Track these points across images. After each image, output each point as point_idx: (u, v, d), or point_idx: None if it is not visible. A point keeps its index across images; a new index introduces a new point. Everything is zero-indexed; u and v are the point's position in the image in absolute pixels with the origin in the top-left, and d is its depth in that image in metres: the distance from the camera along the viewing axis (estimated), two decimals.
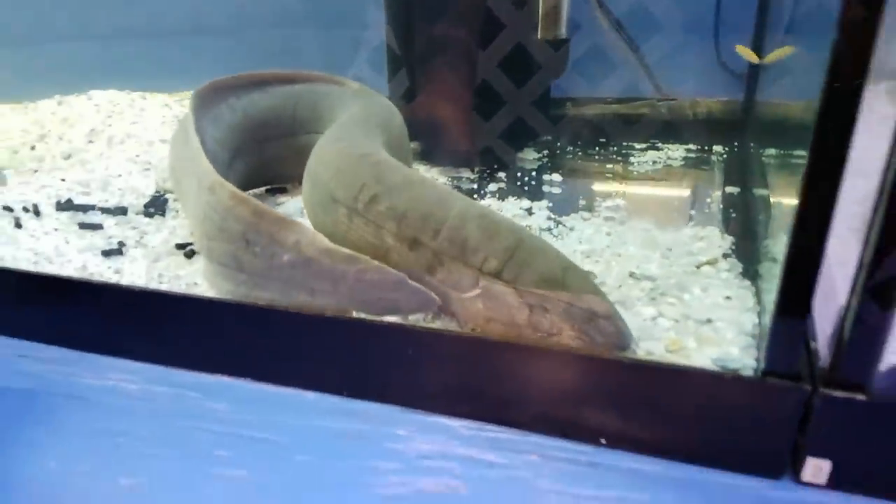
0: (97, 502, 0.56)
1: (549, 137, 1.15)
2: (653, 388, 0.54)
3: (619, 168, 1.03)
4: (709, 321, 0.62)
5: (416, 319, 0.65)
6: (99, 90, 1.41)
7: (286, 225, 0.65)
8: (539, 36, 0.95)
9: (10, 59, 1.49)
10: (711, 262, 0.73)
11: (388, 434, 0.60)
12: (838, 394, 0.49)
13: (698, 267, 0.72)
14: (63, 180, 1.06)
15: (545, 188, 0.97)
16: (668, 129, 1.11)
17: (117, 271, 0.77)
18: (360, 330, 0.61)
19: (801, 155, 0.47)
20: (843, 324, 0.49)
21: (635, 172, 1.01)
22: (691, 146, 1.08)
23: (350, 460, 0.58)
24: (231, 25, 1.34)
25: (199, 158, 0.76)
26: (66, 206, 0.95)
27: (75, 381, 0.70)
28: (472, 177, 1.02)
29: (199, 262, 0.78)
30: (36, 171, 1.14)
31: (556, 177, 1.00)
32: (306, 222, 0.76)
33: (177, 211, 0.95)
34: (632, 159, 1.06)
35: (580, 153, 1.10)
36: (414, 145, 1.03)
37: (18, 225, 0.90)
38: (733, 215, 0.84)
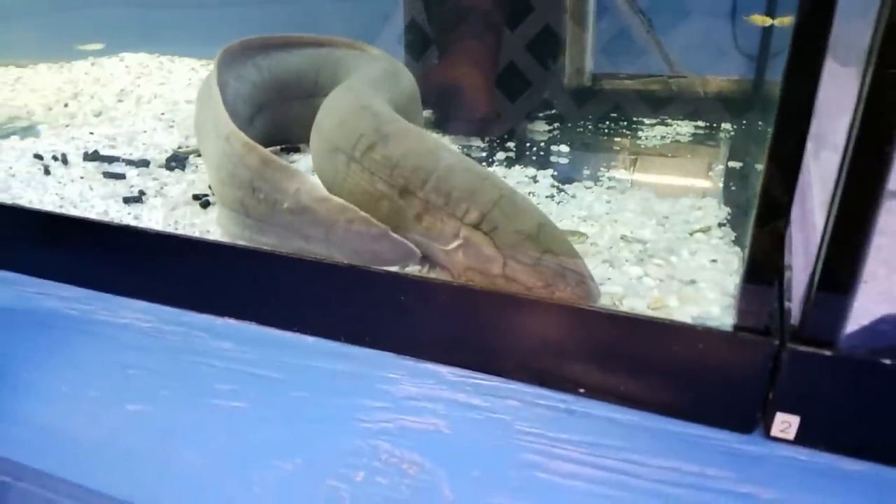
0: (105, 424, 0.60)
1: (560, 110, 1.16)
2: (629, 340, 0.56)
3: (626, 142, 1.05)
4: (693, 282, 0.64)
5: (412, 270, 0.69)
6: (130, 53, 1.45)
7: (289, 174, 0.68)
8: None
9: (49, 21, 1.52)
10: (704, 230, 0.74)
11: (380, 377, 0.63)
12: (805, 349, 0.51)
13: (691, 234, 0.74)
14: (91, 133, 1.10)
15: (552, 158, 0.99)
16: (677, 106, 1.12)
17: (136, 217, 0.81)
18: (357, 277, 0.64)
19: None
20: (812, 282, 0.50)
21: (643, 146, 1.03)
22: (700, 123, 1.09)
23: (342, 398, 0.60)
24: None
25: (219, 109, 0.80)
26: (92, 156, 0.98)
27: (91, 317, 0.74)
28: (482, 146, 1.04)
29: (213, 212, 0.82)
30: (67, 125, 1.18)
31: (564, 148, 1.02)
32: (315, 180, 0.79)
33: (196, 166, 0.98)
34: (640, 134, 1.07)
35: (590, 127, 1.12)
36: (427, 113, 1.05)
37: (47, 172, 0.94)
38: (733, 188, 0.86)
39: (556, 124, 1.12)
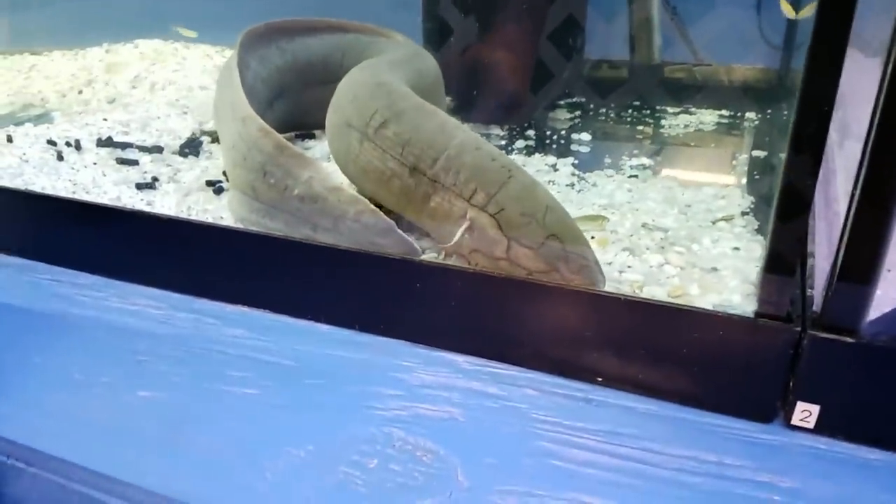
0: (116, 409, 0.59)
1: (582, 98, 1.15)
2: (649, 328, 0.55)
3: (649, 130, 1.04)
4: (714, 270, 0.63)
5: (428, 257, 0.68)
6: (144, 39, 1.45)
7: (303, 161, 0.68)
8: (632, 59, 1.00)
9: (64, 8, 1.52)
10: (727, 219, 0.73)
11: (394, 365, 0.62)
12: (827, 335, 0.50)
13: (714, 222, 0.73)
14: (105, 119, 1.10)
15: (573, 147, 0.98)
16: (702, 94, 1.10)
17: (149, 203, 0.80)
18: (372, 264, 0.63)
19: None
20: (834, 269, 0.49)
21: (665, 135, 1.02)
22: (724, 112, 1.08)
23: (356, 385, 0.60)
24: None
25: (237, 91, 0.79)
26: (105, 142, 0.98)
27: (104, 304, 0.73)
28: (502, 133, 1.03)
29: (226, 198, 0.81)
30: (81, 112, 1.18)
31: (585, 136, 1.01)
32: (331, 167, 0.79)
33: (210, 152, 0.97)
34: (663, 122, 1.06)
35: (612, 115, 1.11)
36: (447, 100, 1.04)
37: (60, 157, 0.93)
38: (757, 177, 0.85)
39: (577, 112, 1.11)
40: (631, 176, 0.86)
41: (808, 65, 0.45)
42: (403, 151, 0.68)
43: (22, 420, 0.60)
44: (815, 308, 0.52)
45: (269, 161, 0.70)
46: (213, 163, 0.93)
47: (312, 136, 1.02)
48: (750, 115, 1.07)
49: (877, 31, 0.49)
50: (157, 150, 0.96)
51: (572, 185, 0.84)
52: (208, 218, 0.77)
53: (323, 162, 0.82)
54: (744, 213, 0.75)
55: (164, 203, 0.81)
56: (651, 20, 1.08)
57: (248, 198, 0.73)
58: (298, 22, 1.01)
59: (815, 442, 0.52)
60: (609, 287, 0.61)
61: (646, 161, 0.91)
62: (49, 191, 0.84)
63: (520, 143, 0.98)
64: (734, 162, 0.91)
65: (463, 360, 0.62)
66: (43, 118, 1.16)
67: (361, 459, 0.52)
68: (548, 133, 1.03)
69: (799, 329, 0.50)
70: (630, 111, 1.11)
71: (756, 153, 0.92)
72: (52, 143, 0.98)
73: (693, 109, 1.09)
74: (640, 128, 1.05)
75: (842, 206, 0.59)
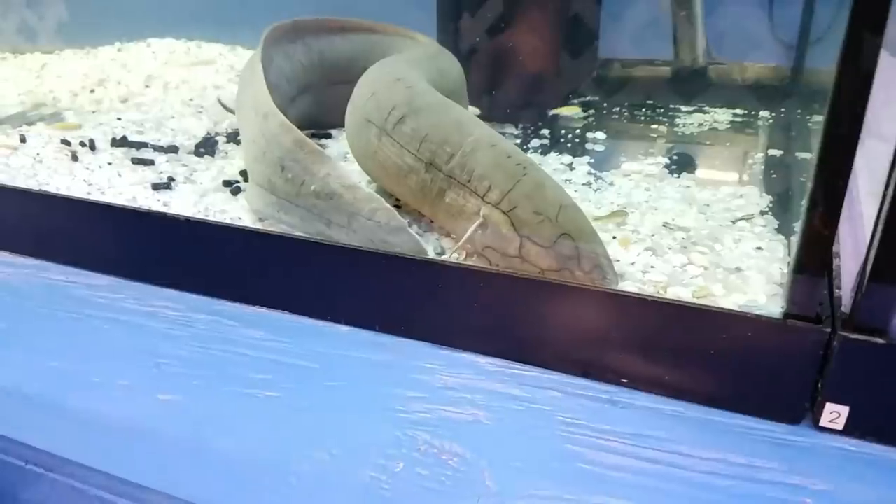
0: (136, 413, 0.59)
1: (595, 97, 1.15)
2: (675, 329, 0.54)
3: (663, 129, 1.03)
4: (738, 270, 0.63)
5: (449, 257, 0.68)
6: (157, 38, 1.44)
7: (321, 158, 0.68)
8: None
9: (75, 7, 1.52)
10: (747, 218, 0.73)
11: (416, 367, 0.62)
12: (857, 336, 0.49)
13: (734, 222, 0.72)
14: (119, 119, 1.10)
15: (588, 146, 0.97)
16: (715, 93, 1.10)
17: (165, 204, 0.80)
18: (393, 265, 0.63)
19: None
20: (864, 270, 0.49)
21: (680, 133, 1.01)
22: (738, 110, 1.07)
23: (378, 388, 0.59)
24: None
25: (259, 86, 0.79)
26: (120, 142, 0.98)
27: (120, 305, 0.73)
28: (516, 132, 1.03)
29: (244, 199, 0.81)
30: (94, 111, 1.18)
31: (600, 135, 1.00)
32: (347, 166, 0.78)
33: (226, 152, 0.97)
34: (677, 121, 1.05)
35: (626, 114, 1.10)
36: (473, 109, 1.04)
37: (75, 158, 0.93)
38: (774, 176, 0.84)
39: (591, 111, 1.10)
40: (647, 175, 0.85)
41: (841, 67, 0.45)
42: (420, 147, 0.68)
43: (39, 424, 0.59)
44: (843, 309, 0.52)
45: (288, 156, 0.70)
46: (229, 162, 0.93)
47: (329, 136, 1.01)
48: (763, 113, 1.06)
49: None
50: (173, 149, 0.96)
51: (589, 184, 0.83)
52: (226, 219, 0.77)
53: (339, 161, 0.82)
54: (763, 213, 0.74)
55: (180, 204, 0.80)
56: (695, 21, 1.07)
57: (264, 192, 0.73)
58: (327, 21, 1.01)
59: (844, 444, 0.52)
60: (633, 287, 0.61)
61: (662, 160, 0.90)
62: (63, 191, 0.83)
63: (535, 142, 0.98)
64: (750, 161, 0.91)
65: (485, 361, 0.62)
66: (55, 117, 1.15)
67: (387, 463, 0.52)
68: (562, 132, 1.02)
69: (829, 330, 0.50)
70: (643, 110, 1.11)
71: (772, 152, 0.91)
72: (66, 142, 0.98)
73: (706, 108, 1.09)
74: (655, 126, 1.04)
75: (864, 205, 0.58)
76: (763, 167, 0.87)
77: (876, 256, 0.48)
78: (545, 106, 1.09)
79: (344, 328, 0.67)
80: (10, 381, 0.64)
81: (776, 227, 0.71)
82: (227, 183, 0.85)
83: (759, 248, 0.66)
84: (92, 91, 1.27)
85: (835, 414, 0.52)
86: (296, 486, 0.51)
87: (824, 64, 0.84)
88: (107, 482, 0.55)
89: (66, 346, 0.67)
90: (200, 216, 0.77)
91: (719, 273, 0.63)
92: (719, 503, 0.48)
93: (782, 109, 1.05)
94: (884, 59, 0.53)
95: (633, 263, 0.64)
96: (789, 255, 0.63)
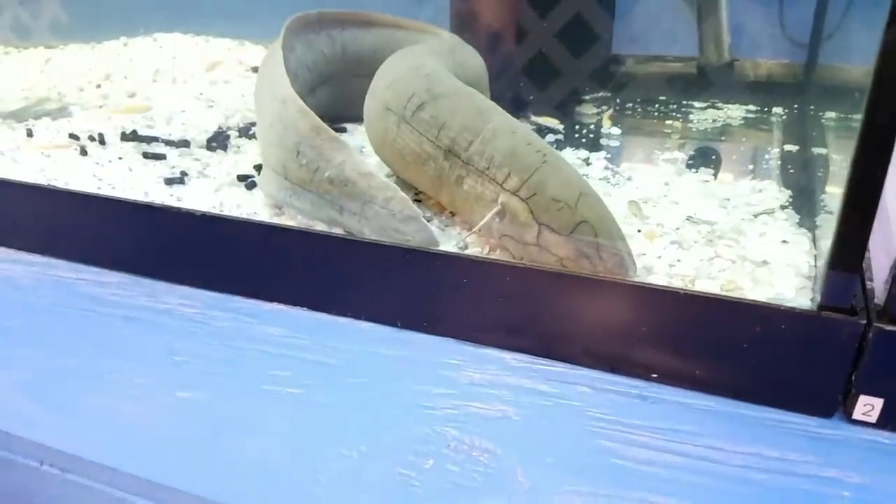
0: (155, 412, 0.58)
1: (609, 94, 1.14)
2: (706, 322, 0.54)
3: (678, 125, 1.02)
4: (765, 263, 0.62)
5: (467, 240, 0.68)
6: (163, 33, 1.43)
7: (337, 145, 0.68)
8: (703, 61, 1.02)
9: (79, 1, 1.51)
10: (769, 212, 0.72)
11: (440, 363, 0.61)
12: (892, 328, 0.49)
13: (755, 216, 0.71)
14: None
15: (603, 141, 0.97)
16: (728, 90, 1.09)
17: (178, 199, 0.79)
18: (414, 260, 0.62)
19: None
20: None
21: (694, 129, 1.01)
22: (751, 107, 1.07)
23: (403, 384, 0.58)
24: None
25: (279, 72, 0.79)
26: (130, 136, 0.97)
27: (133, 303, 0.72)
28: (530, 128, 1.02)
29: (259, 193, 0.80)
30: (101, 106, 1.17)
31: (615, 130, 1.00)
32: (365, 159, 0.77)
33: (238, 147, 0.96)
34: (691, 117, 1.05)
35: (639, 110, 1.10)
36: None
37: (84, 152, 0.92)
38: (791, 171, 0.84)
39: (603, 107, 1.09)
40: (665, 170, 0.85)
41: (880, 63, 0.44)
42: (439, 134, 0.67)
43: (54, 424, 0.58)
44: (877, 300, 0.51)
45: (304, 142, 0.69)
46: (241, 157, 0.92)
47: (344, 130, 1.00)
48: (777, 109, 1.05)
49: None
50: (184, 144, 0.95)
51: (607, 178, 0.83)
52: (242, 213, 0.75)
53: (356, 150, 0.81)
54: (783, 207, 0.74)
55: (193, 199, 0.79)
56: (720, 18, 1.07)
57: (278, 177, 0.73)
58: (352, 14, 1.01)
59: (877, 436, 0.52)
60: (661, 281, 0.60)
61: (678, 155, 0.90)
62: (73, 186, 0.82)
63: (549, 138, 0.97)
64: (767, 156, 0.90)
65: (510, 357, 0.61)
66: (62, 112, 1.14)
67: (417, 460, 0.51)
68: (576, 127, 1.01)
69: (864, 322, 0.50)
70: (657, 106, 1.10)
71: (788, 147, 0.90)
72: (74, 137, 0.97)
73: (720, 104, 1.08)
74: (669, 122, 1.04)
75: (891, 199, 0.58)
76: (780, 162, 0.87)
77: None
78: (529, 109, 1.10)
79: (364, 324, 0.67)
80: (23, 379, 0.63)
81: (797, 221, 0.70)
82: (241, 177, 0.84)
83: (785, 242, 0.65)
84: (98, 86, 1.26)
85: (868, 406, 0.52)
86: (325, 483, 0.50)
87: (837, 60, 0.84)
88: (130, 483, 0.54)
89: (78, 345, 0.66)
90: (215, 211, 0.76)
91: (747, 266, 0.62)
92: (756, 497, 0.47)
93: (795, 105, 1.04)
94: None
95: (659, 257, 0.64)
96: (815, 248, 0.63)
